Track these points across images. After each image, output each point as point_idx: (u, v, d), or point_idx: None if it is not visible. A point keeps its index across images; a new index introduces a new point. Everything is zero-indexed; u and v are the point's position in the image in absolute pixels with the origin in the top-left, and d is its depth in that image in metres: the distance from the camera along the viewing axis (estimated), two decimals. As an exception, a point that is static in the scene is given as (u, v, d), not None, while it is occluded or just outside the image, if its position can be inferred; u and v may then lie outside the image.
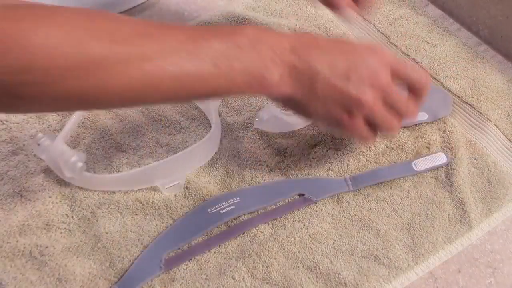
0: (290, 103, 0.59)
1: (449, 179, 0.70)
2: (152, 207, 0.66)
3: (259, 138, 0.73)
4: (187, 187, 0.68)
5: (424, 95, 0.62)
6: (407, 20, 0.89)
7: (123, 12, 0.88)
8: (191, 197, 0.67)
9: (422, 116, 0.75)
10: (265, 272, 0.62)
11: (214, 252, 0.63)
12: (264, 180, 0.69)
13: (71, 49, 0.45)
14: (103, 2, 0.87)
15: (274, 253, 0.63)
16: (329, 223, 0.66)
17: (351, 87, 0.57)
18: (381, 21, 0.88)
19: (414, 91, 0.62)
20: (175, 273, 0.62)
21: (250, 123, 0.75)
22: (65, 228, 0.64)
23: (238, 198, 0.67)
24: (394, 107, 0.60)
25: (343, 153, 0.72)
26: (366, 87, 0.57)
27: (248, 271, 0.62)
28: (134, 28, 0.50)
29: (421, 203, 0.68)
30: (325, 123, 0.61)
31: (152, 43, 0.49)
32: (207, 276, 0.61)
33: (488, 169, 0.71)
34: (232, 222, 0.65)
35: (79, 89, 0.46)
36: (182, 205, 0.67)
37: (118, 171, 0.69)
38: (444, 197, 0.68)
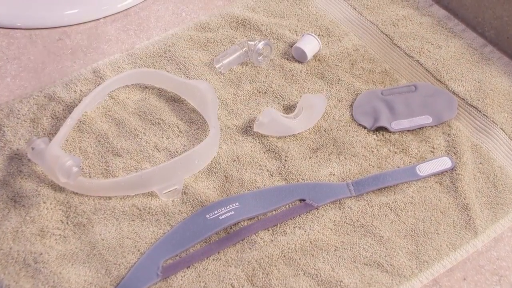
0: None
1: (453, 184, 0.69)
2: (149, 213, 0.65)
3: (259, 142, 0.72)
4: (185, 193, 0.67)
5: None
6: (411, 20, 0.87)
7: (120, 13, 0.87)
8: (189, 203, 0.66)
9: (426, 119, 0.74)
10: (265, 280, 0.61)
11: (213, 259, 0.62)
12: (264, 185, 0.68)
13: None
14: (100, 2, 0.87)
15: (274, 260, 0.62)
16: (331, 229, 0.65)
17: None
18: (384, 21, 0.87)
19: None
20: (172, 280, 0.61)
21: (250, 127, 0.74)
22: (60, 234, 0.63)
23: (237, 203, 0.66)
24: None
25: (345, 157, 0.71)
26: None
27: (248, 278, 0.61)
28: None
29: (425, 209, 0.67)
30: None
31: None
32: (205, 284, 0.60)
33: (494, 174, 0.70)
34: (231, 228, 0.64)
35: None
36: (180, 211, 0.66)
37: (115, 176, 0.68)
38: (449, 203, 0.67)
